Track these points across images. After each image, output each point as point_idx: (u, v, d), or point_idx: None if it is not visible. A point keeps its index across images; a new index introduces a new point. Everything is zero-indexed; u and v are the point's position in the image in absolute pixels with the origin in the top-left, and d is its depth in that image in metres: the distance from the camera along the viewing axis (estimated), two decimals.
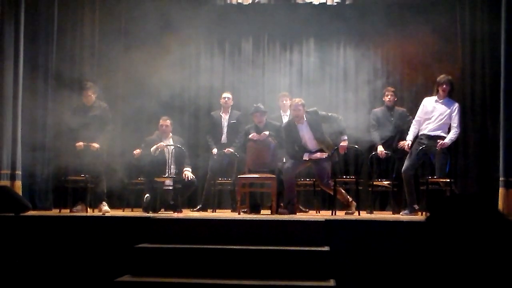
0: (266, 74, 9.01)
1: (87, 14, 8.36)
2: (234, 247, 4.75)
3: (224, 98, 7.92)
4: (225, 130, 7.84)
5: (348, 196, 6.87)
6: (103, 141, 7.09)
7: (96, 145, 6.96)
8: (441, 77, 6.90)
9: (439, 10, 8.36)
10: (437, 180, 6.58)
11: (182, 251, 4.77)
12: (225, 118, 7.87)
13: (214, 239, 4.93)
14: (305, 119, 6.85)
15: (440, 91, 6.82)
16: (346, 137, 6.91)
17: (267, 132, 6.95)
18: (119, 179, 7.46)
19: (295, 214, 6.57)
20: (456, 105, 6.82)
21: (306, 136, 6.85)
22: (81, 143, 6.93)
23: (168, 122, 7.52)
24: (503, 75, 6.56)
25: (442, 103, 6.81)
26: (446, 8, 8.38)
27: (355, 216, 6.42)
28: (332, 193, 6.76)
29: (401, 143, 7.11)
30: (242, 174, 6.87)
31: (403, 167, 6.76)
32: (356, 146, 7.20)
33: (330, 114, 7.04)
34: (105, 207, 6.83)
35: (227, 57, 9.13)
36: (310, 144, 6.86)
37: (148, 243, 4.98)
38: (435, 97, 6.88)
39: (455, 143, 8.09)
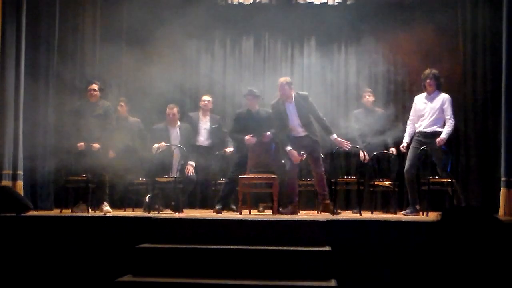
0: (267, 73, 9.02)
1: (88, 15, 8.38)
2: (236, 247, 4.75)
3: (204, 101, 7.86)
4: (203, 132, 7.74)
5: (327, 198, 6.74)
6: (105, 141, 7.08)
7: (97, 145, 6.96)
8: (425, 72, 6.88)
9: (440, 8, 8.35)
10: (438, 180, 6.57)
11: (184, 251, 4.77)
12: (203, 121, 7.80)
13: (216, 239, 4.93)
14: (293, 99, 6.82)
15: (427, 87, 6.81)
16: (335, 136, 6.80)
17: (269, 133, 6.94)
18: (121, 179, 7.46)
19: (297, 214, 6.56)
20: (446, 97, 6.78)
21: (293, 116, 6.76)
22: (82, 144, 6.93)
23: (175, 110, 7.44)
24: (504, 74, 6.54)
25: (431, 98, 6.78)
26: (447, 6, 8.38)
27: (357, 216, 6.42)
28: (320, 189, 6.71)
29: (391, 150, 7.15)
30: (244, 174, 6.86)
31: (405, 167, 6.75)
32: (357, 146, 7.20)
33: (318, 111, 6.95)
34: (106, 207, 6.83)
35: (228, 57, 9.14)
36: (297, 127, 6.73)
37: (150, 243, 4.98)
38: (424, 94, 6.87)
39: (456, 142, 8.11)
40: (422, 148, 6.65)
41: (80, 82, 7.81)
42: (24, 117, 6.98)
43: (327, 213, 6.53)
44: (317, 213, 7.15)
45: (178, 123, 7.53)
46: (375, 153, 7.26)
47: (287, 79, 6.93)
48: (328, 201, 6.68)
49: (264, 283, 4.37)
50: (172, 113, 7.43)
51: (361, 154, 7.21)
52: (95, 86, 7.22)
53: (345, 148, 6.80)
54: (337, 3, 8.58)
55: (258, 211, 7.37)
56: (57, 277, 5.18)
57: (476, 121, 8.16)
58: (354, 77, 8.84)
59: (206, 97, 7.95)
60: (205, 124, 7.78)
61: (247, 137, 6.95)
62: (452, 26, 8.39)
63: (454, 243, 1.57)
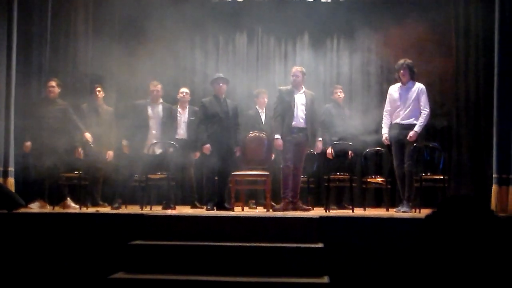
0: (260, 69, 9.03)
1: (81, 10, 8.35)
2: (228, 244, 4.75)
3: (182, 93, 7.82)
4: (183, 125, 7.66)
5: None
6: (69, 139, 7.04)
7: (88, 135, 7.00)
8: (398, 63, 6.80)
9: (433, 6, 8.38)
10: (431, 177, 6.57)
11: (176, 248, 4.77)
12: (182, 114, 7.71)
13: (208, 236, 4.93)
14: (303, 89, 6.82)
15: (401, 77, 6.72)
16: (320, 139, 6.88)
17: (208, 145, 6.89)
18: (115, 176, 7.45)
19: (289, 211, 6.56)
20: (421, 87, 6.67)
21: (299, 105, 6.72)
22: (28, 143, 6.90)
23: (159, 87, 7.35)
24: (496, 72, 6.56)
25: (407, 89, 6.68)
26: (440, 4, 8.40)
27: (349, 213, 6.43)
28: (296, 187, 6.71)
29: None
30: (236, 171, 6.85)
31: (394, 164, 6.70)
32: (350, 143, 7.20)
33: (317, 113, 6.99)
34: (71, 202, 6.83)
35: (221, 53, 9.14)
36: (299, 117, 6.69)
37: (142, 240, 4.98)
38: (398, 84, 6.79)
39: (448, 139, 8.14)
40: (396, 141, 6.61)
41: (73, 78, 7.79)
42: (16, 113, 6.94)
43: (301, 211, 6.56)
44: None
45: (161, 100, 7.44)
46: (367, 150, 7.27)
47: (303, 68, 6.96)
48: (297, 199, 6.72)
49: (257, 280, 4.37)
50: (155, 90, 7.33)
51: (328, 150, 7.25)
52: (53, 83, 7.14)
53: (315, 152, 7.03)
54: (330, 0, 8.58)
55: (250, 208, 7.37)
56: (50, 274, 5.17)
57: (468, 118, 8.19)
58: (347, 73, 8.85)
59: (184, 89, 7.89)
60: (184, 117, 7.69)
61: (206, 146, 6.91)
62: (445, 22, 8.41)
63: (449, 233, 1.57)
